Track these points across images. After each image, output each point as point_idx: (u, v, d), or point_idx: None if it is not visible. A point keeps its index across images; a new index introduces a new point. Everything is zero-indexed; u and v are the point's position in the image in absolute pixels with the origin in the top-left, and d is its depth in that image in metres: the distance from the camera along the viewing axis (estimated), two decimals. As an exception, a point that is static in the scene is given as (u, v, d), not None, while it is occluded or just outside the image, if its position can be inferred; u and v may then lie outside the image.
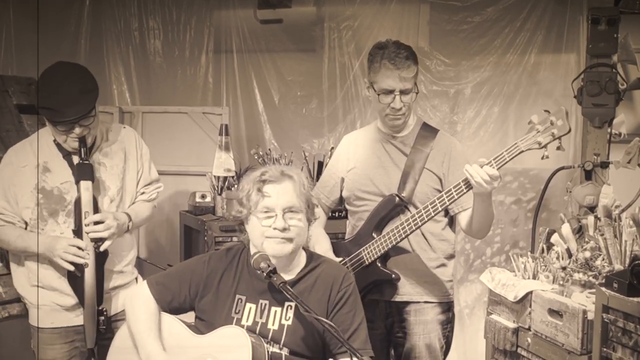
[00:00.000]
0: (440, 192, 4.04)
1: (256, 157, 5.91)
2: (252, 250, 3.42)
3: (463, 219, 4.07)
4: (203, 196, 5.94)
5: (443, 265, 4.23)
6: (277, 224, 3.29)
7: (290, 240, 3.34)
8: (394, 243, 4.01)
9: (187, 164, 6.53)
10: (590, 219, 4.01)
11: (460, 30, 6.23)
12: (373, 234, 4.11)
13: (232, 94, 6.76)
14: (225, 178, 5.86)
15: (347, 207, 4.41)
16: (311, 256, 3.52)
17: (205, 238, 5.54)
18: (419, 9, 6.36)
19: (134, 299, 3.51)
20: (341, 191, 4.39)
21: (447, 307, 4.28)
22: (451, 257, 4.30)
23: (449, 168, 4.15)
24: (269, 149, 6.27)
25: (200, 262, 3.54)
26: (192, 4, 6.74)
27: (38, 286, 4.11)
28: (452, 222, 4.26)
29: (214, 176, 5.92)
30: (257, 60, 6.68)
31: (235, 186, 5.79)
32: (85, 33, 6.78)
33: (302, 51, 6.70)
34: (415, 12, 6.36)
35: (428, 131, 4.24)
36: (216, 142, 6.01)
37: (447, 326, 4.28)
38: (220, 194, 5.85)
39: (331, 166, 4.49)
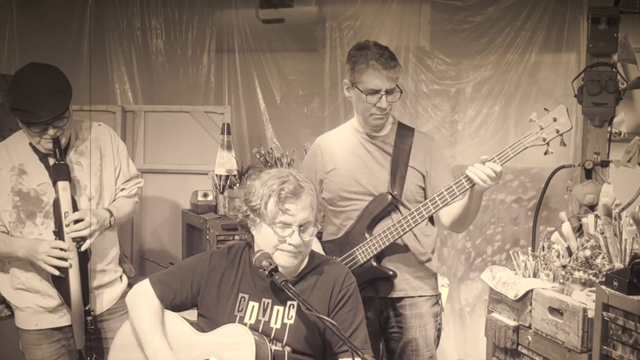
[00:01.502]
0: (423, 189, 4.16)
1: (258, 156, 5.93)
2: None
3: (444, 214, 4.11)
4: (205, 195, 5.96)
5: (430, 259, 4.28)
6: (293, 240, 3.28)
7: (301, 253, 3.35)
8: (392, 240, 4.04)
9: (189, 162, 6.54)
10: (591, 217, 4.03)
11: (461, 30, 6.25)
12: (365, 234, 4.13)
13: (234, 93, 6.78)
14: (227, 177, 5.89)
15: (330, 207, 4.39)
16: (313, 256, 3.52)
17: (207, 236, 5.55)
18: (420, 9, 6.39)
19: (137, 298, 3.50)
20: (320, 192, 4.39)
21: (436, 300, 4.33)
22: (434, 251, 4.35)
23: (431, 164, 4.20)
24: (271, 148, 6.27)
25: (201, 260, 3.54)
26: (194, 3, 6.76)
27: (21, 289, 4.11)
28: (431, 217, 4.27)
29: (216, 175, 5.95)
30: (259, 59, 6.71)
31: (237, 185, 5.81)
32: (88, 32, 6.80)
33: (303, 50, 6.72)
34: (416, 11, 6.39)
35: (406, 130, 4.30)
36: (218, 141, 6.05)
37: (438, 318, 4.33)
38: (222, 193, 5.87)
39: (307, 169, 4.46)
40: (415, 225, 3.99)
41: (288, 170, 3.43)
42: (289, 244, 3.28)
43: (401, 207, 4.13)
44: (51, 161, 4.00)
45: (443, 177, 4.15)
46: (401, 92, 4.17)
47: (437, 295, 4.33)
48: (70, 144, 4.12)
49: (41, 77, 3.92)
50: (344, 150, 4.30)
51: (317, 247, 4.16)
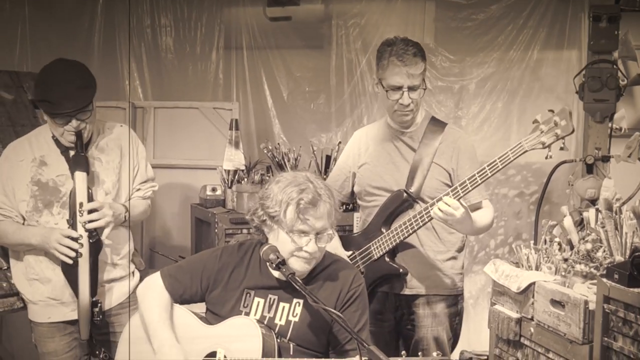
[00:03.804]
0: (450, 186, 4.07)
1: (265, 152, 5.97)
2: None
3: None
4: (214, 189, 5.98)
5: (453, 258, 4.29)
6: (309, 248, 3.31)
7: (315, 259, 3.38)
8: (402, 238, 4.07)
9: (198, 157, 6.58)
10: (592, 211, 4.00)
11: (464, 27, 6.29)
12: (382, 229, 4.16)
13: (242, 89, 6.80)
14: (235, 171, 5.91)
15: (359, 201, 4.45)
16: (323, 256, 3.52)
17: (216, 230, 5.59)
18: (425, 7, 6.43)
19: (148, 290, 3.55)
20: (352, 186, 4.43)
21: (456, 300, 4.34)
22: (461, 249, 4.35)
23: (458, 162, 4.19)
24: (278, 143, 6.31)
25: (212, 256, 3.58)
26: (202, 1, 6.77)
27: (35, 280, 4.19)
28: None
29: (224, 170, 5.97)
30: (267, 56, 6.73)
31: (245, 179, 5.85)
32: (99, 30, 6.83)
33: (310, 48, 6.76)
34: (421, 9, 6.43)
35: (436, 125, 4.27)
36: (226, 136, 6.07)
37: (456, 319, 4.35)
38: (230, 187, 5.90)
39: (342, 161, 4.51)
40: (424, 224, 4.00)
41: (305, 174, 3.44)
42: (305, 251, 3.31)
43: (422, 204, 4.12)
44: (72, 154, 4.08)
45: (469, 175, 4.07)
46: (425, 89, 4.16)
47: (457, 296, 4.35)
48: (92, 140, 4.20)
49: (68, 72, 4.03)
50: (375, 145, 4.34)
51: (334, 242, 4.19)
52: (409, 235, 4.07)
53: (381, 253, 4.15)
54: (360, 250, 4.22)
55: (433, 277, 4.24)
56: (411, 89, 4.07)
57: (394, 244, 4.11)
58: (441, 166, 4.19)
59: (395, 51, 4.06)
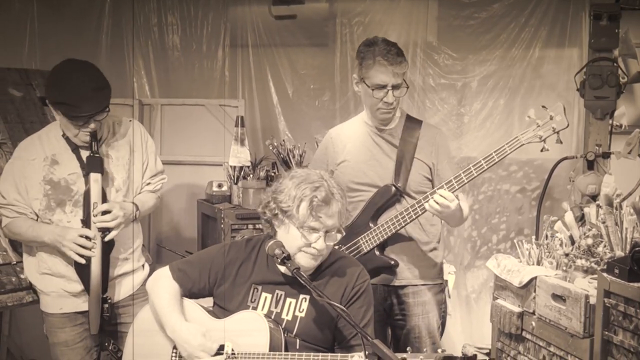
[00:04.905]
0: (430, 180, 4.24)
1: (271, 148, 6.03)
2: None
3: None
4: (220, 185, 6.03)
5: (435, 249, 4.38)
6: (318, 245, 3.34)
7: (322, 256, 3.42)
8: (394, 231, 4.15)
9: (205, 154, 6.63)
10: (593, 207, 4.09)
11: (467, 26, 6.31)
12: (369, 224, 4.23)
13: (247, 87, 6.82)
14: (241, 168, 5.96)
15: None
16: (329, 252, 3.55)
17: (222, 226, 5.64)
18: (428, 5, 6.44)
19: (158, 281, 3.60)
20: None
21: (441, 288, 4.44)
22: (439, 240, 4.44)
23: (438, 157, 4.30)
24: (283, 140, 6.35)
25: (220, 252, 3.61)
26: (209, 0, 6.80)
27: (47, 274, 4.24)
28: None
29: (230, 166, 6.02)
30: (272, 54, 6.75)
31: (251, 176, 5.90)
32: (107, 28, 6.84)
33: (315, 46, 6.77)
34: (424, 8, 6.43)
35: (413, 122, 4.38)
36: (232, 133, 6.12)
37: (442, 307, 4.43)
38: (236, 183, 5.95)
39: (318, 160, 4.56)
40: (416, 217, 4.08)
41: (318, 172, 3.48)
42: (314, 248, 3.35)
43: (407, 198, 4.22)
44: (83, 153, 4.13)
45: (447, 169, 4.24)
46: (407, 88, 4.26)
47: (442, 284, 4.44)
48: (102, 137, 4.23)
49: (83, 73, 4.05)
50: (354, 142, 4.39)
51: None
52: (400, 228, 4.14)
53: (371, 247, 4.21)
54: (348, 245, 4.26)
55: (420, 267, 4.32)
56: (395, 87, 4.17)
57: (384, 237, 4.18)
58: (423, 161, 4.28)
59: (380, 51, 4.15)
